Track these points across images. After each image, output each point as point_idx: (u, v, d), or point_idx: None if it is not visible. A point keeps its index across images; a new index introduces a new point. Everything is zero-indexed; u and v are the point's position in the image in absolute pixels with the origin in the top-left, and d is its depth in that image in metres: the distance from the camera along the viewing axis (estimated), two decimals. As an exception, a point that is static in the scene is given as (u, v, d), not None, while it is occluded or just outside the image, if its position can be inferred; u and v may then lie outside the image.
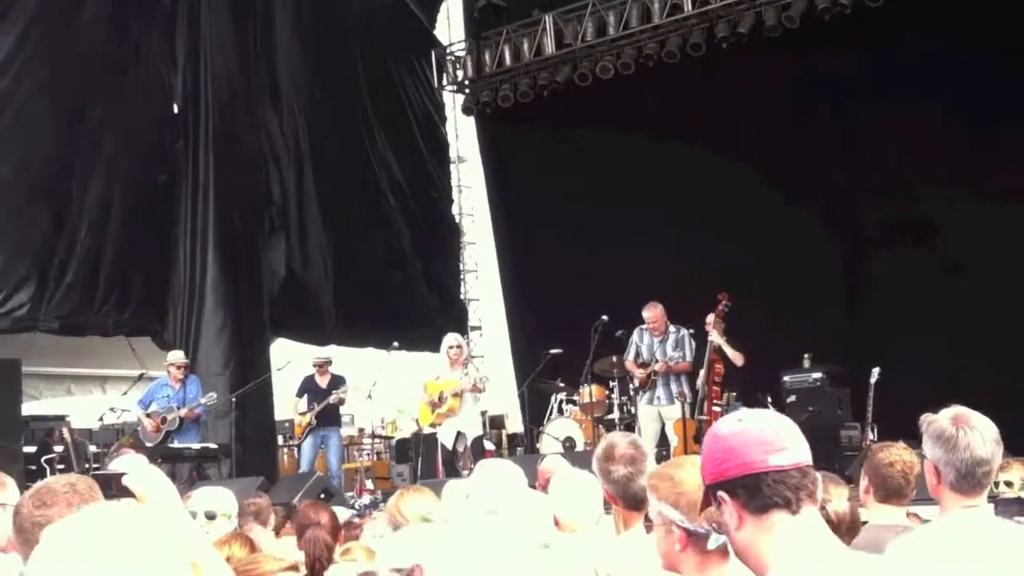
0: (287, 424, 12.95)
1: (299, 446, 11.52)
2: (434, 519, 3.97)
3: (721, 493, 1.95)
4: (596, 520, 4.22)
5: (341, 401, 11.30)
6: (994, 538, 2.71)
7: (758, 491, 1.90)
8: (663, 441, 9.82)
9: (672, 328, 10.15)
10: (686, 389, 9.99)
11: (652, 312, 10.12)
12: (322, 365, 11.54)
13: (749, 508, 1.92)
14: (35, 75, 11.58)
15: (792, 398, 9.83)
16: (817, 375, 9.90)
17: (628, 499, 3.43)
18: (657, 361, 9.99)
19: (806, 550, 1.90)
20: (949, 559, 2.62)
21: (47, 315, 11.54)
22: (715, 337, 9.82)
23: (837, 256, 12.17)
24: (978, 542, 2.68)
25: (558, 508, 3.89)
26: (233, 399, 10.91)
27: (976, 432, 2.80)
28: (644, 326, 10.22)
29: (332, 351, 12.91)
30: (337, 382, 11.38)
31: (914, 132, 11.12)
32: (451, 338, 10.49)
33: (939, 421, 2.85)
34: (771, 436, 1.95)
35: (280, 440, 13.28)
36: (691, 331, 10.14)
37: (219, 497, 4.76)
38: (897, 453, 3.79)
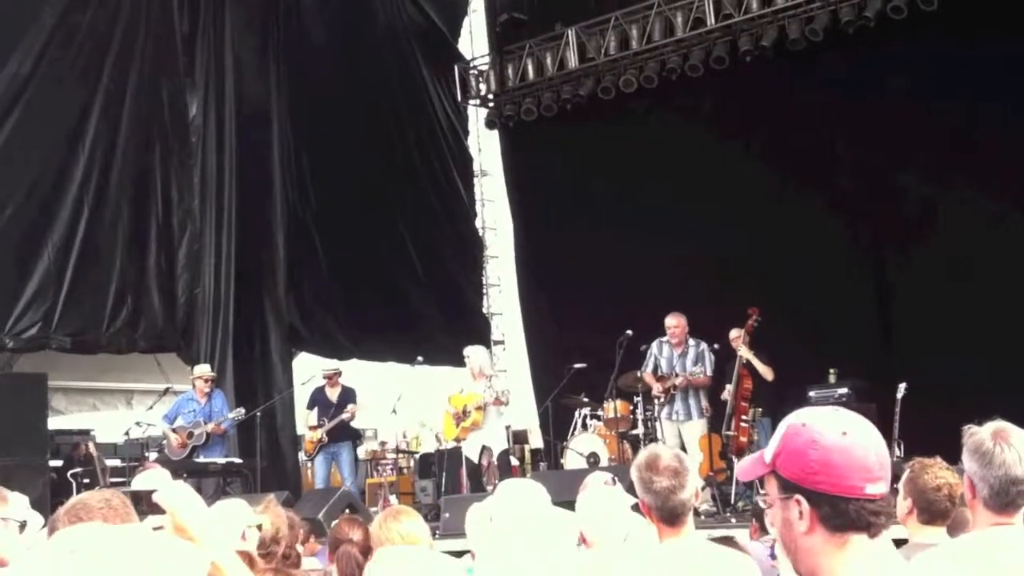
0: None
1: (312, 462, 11.40)
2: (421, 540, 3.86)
3: (799, 497, 1.88)
4: (624, 536, 4.18)
5: (351, 418, 11.09)
6: (1020, 557, 2.67)
7: (844, 513, 1.86)
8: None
9: (692, 342, 10.09)
10: (706, 404, 9.95)
11: (676, 320, 10.06)
12: (332, 376, 11.38)
13: (828, 525, 1.87)
14: (41, 93, 11.62)
15: (818, 413, 9.73)
16: (843, 390, 9.80)
17: (666, 512, 3.35)
18: (677, 375, 9.93)
19: (876, 572, 1.88)
20: (967, 573, 2.58)
21: (57, 333, 11.55)
22: (744, 352, 9.78)
23: (863, 270, 12.06)
24: (1002, 560, 2.63)
25: (584, 524, 3.85)
26: (258, 413, 10.93)
27: (1014, 450, 2.74)
28: (663, 338, 10.18)
29: (353, 365, 12.88)
30: (347, 394, 11.23)
31: (945, 142, 11.04)
32: (466, 350, 10.51)
33: (979, 434, 2.80)
34: (873, 463, 1.87)
35: (302, 456, 13.26)
36: (715, 346, 10.10)
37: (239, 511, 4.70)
38: (943, 475, 3.75)
